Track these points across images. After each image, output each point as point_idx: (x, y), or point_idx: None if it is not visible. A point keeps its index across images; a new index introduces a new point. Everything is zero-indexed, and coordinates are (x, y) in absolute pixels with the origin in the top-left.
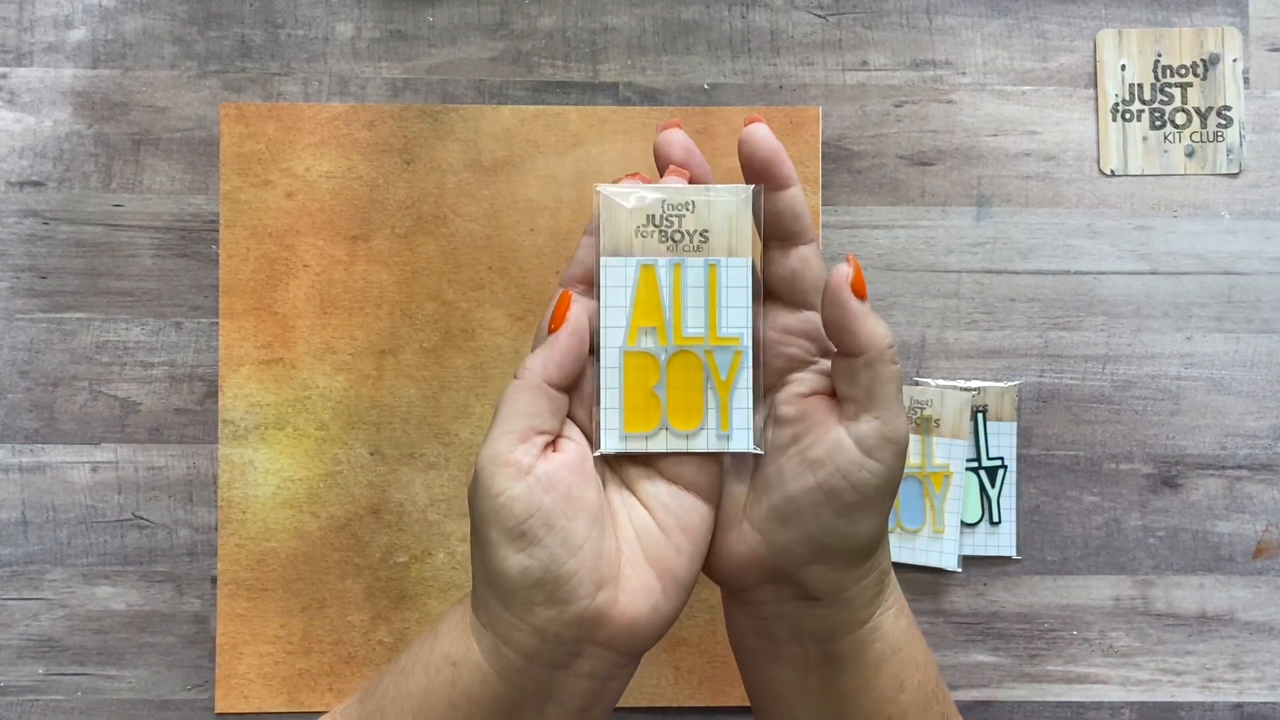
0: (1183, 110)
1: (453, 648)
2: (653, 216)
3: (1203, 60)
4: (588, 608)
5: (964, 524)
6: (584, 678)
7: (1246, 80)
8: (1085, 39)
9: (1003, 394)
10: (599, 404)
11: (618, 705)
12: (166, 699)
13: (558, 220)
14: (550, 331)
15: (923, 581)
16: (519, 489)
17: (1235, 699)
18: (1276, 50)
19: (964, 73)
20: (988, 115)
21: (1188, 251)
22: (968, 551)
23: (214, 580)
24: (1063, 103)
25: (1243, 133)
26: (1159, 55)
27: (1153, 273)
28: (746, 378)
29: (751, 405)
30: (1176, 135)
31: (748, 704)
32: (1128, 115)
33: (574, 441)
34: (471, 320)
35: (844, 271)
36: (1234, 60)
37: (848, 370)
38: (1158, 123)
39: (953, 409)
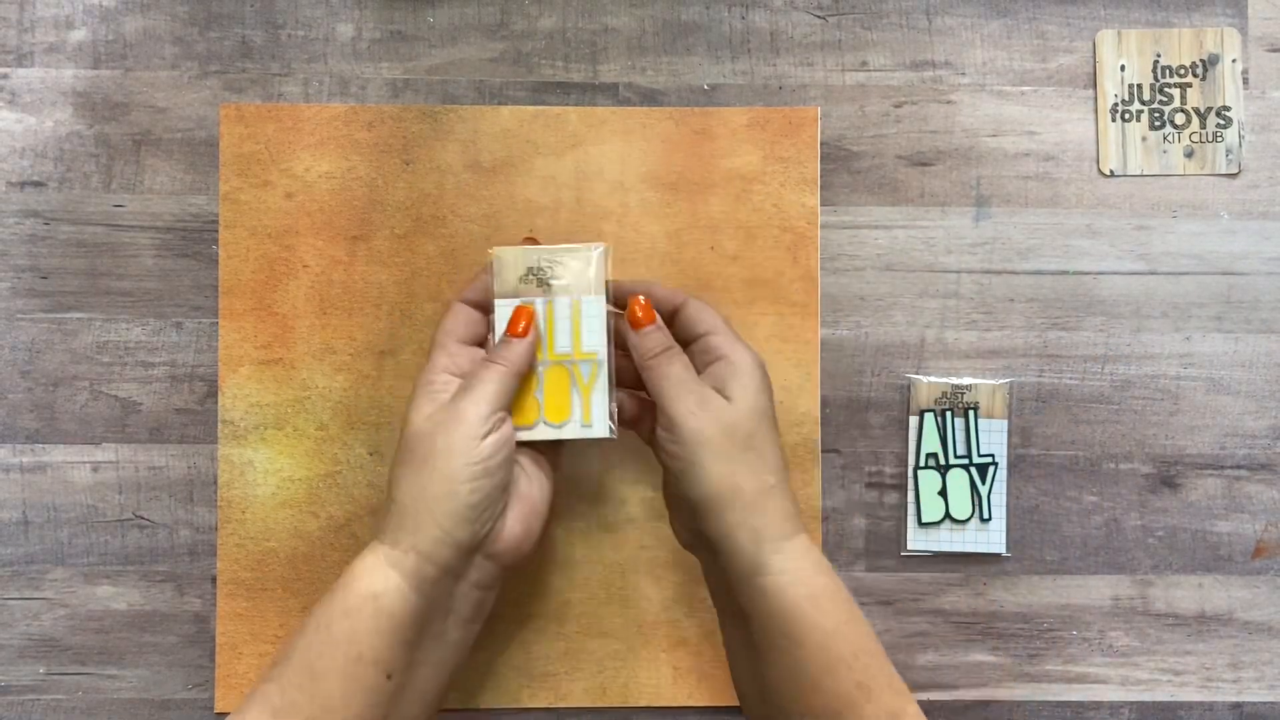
0: (1182, 110)
1: (372, 585)
2: (531, 269)
3: (1202, 61)
4: (491, 528)
5: (954, 520)
6: (472, 586)
7: (1246, 81)
8: (1084, 39)
9: (994, 391)
10: None
11: (617, 705)
12: (167, 698)
13: (556, 221)
14: (520, 336)
15: (923, 581)
16: (493, 438)
17: (1234, 698)
18: (1276, 51)
19: (963, 73)
20: (987, 116)
21: (1187, 252)
22: (958, 548)
23: (214, 580)
24: (1062, 103)
25: (1242, 133)
26: (1158, 56)
27: (1152, 273)
28: (603, 382)
29: (608, 403)
30: (1176, 135)
31: None
32: (1127, 116)
33: (509, 421)
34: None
35: (631, 310)
36: (1233, 61)
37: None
38: (1157, 123)
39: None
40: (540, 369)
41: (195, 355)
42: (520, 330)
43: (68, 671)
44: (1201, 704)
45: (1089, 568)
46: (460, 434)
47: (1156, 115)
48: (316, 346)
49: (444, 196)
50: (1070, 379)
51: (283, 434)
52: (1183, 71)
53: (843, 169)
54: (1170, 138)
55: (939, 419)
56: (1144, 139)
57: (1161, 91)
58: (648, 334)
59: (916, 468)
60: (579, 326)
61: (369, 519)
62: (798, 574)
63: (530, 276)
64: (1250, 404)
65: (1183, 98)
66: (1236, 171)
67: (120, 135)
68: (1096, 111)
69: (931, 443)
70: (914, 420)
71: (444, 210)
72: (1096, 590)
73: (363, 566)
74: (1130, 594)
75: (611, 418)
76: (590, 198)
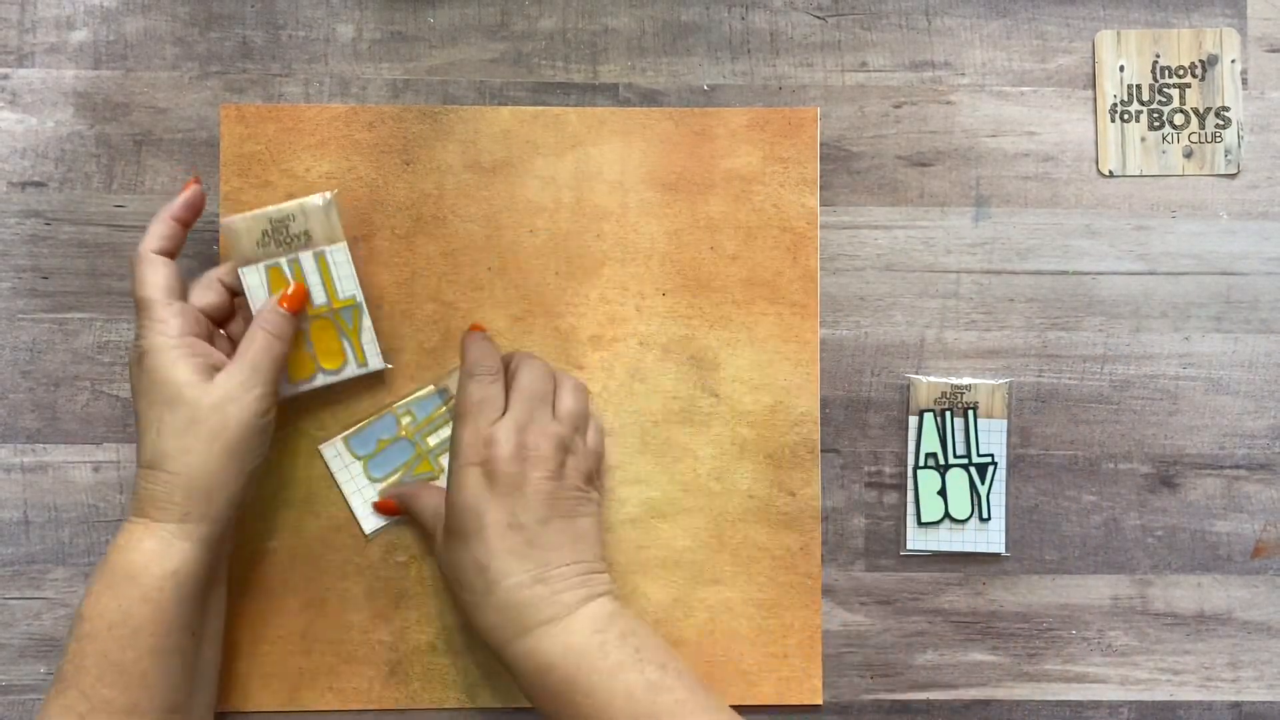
0: (1181, 111)
1: (167, 565)
2: (266, 231)
3: (1201, 61)
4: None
5: (953, 520)
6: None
7: (1245, 81)
8: (1084, 40)
9: (993, 391)
10: None
11: None
12: None
13: (556, 221)
14: (291, 311)
15: (923, 581)
16: (273, 410)
17: (1233, 698)
18: (1275, 51)
19: (963, 74)
20: (986, 116)
21: (1186, 252)
22: (957, 548)
23: None
24: (1061, 103)
25: (1241, 133)
26: (1157, 56)
27: (1151, 273)
28: (366, 322)
29: (375, 339)
30: (1175, 136)
31: (745, 703)
32: (1126, 116)
33: None
34: (471, 321)
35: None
36: (1232, 61)
37: None
38: (1156, 123)
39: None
40: (304, 326)
41: None
42: (287, 306)
43: None
44: (1200, 703)
45: (1088, 567)
46: (253, 410)
47: (1155, 116)
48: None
49: (444, 197)
50: (1069, 379)
51: (282, 433)
52: (1182, 72)
53: (842, 169)
54: (1169, 138)
55: (938, 419)
56: (1143, 139)
57: (1160, 92)
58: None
59: (916, 467)
60: (329, 276)
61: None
62: (539, 664)
63: (267, 239)
64: (1249, 404)
65: (1182, 98)
66: (1235, 172)
67: (121, 135)
68: (1096, 112)
69: (931, 442)
70: (913, 420)
71: (444, 210)
72: (1096, 590)
73: (146, 551)
74: (1129, 594)
75: (381, 352)
76: (590, 198)
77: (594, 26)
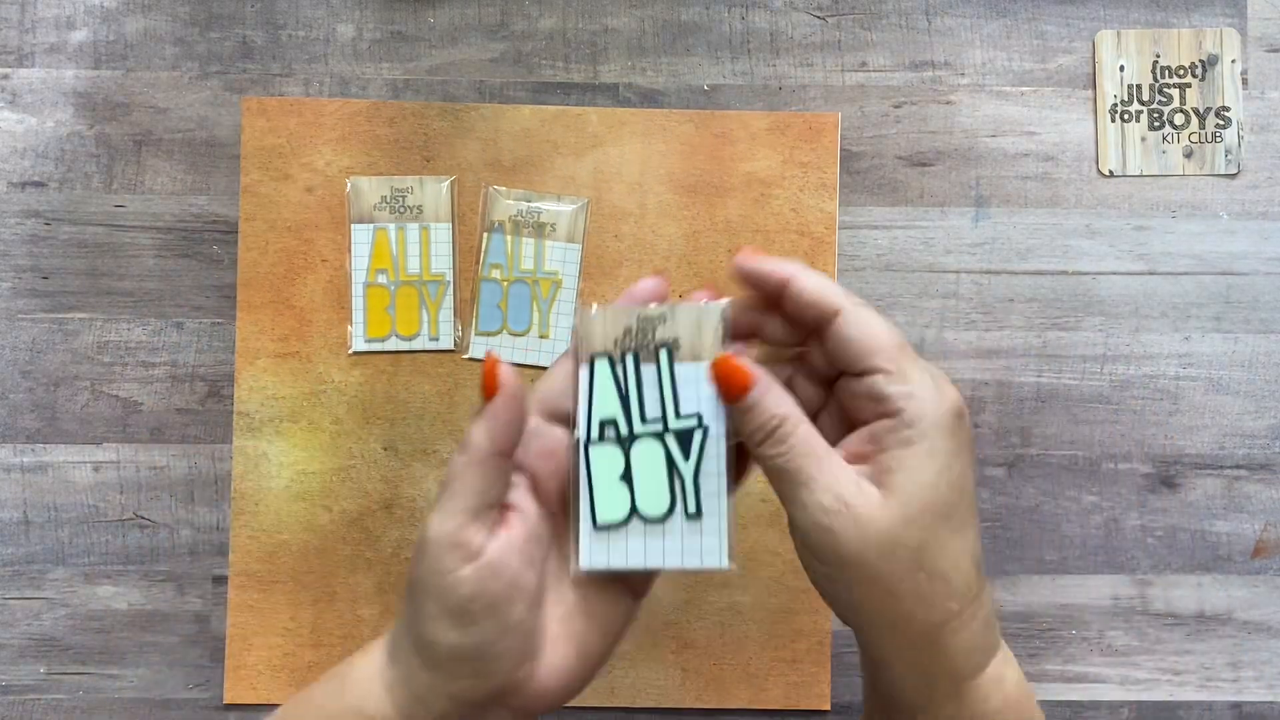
0: (1181, 111)
1: (364, 700)
2: (385, 196)
3: (1201, 61)
4: (507, 680)
5: (647, 520)
6: None
7: (1245, 81)
8: (1084, 40)
9: (699, 319)
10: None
11: (625, 705)
12: (168, 698)
13: (575, 220)
14: (486, 399)
15: None
16: (468, 571)
17: (1234, 698)
18: (1275, 51)
19: (963, 74)
20: (986, 116)
21: (1186, 252)
22: (654, 563)
23: (215, 579)
24: (1061, 103)
25: (1241, 133)
26: (1157, 56)
27: (1151, 273)
28: (449, 300)
29: (453, 320)
30: (1175, 136)
31: (753, 707)
32: (1126, 116)
33: (521, 513)
34: None
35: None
36: (1232, 61)
37: None
38: (1156, 123)
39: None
40: (392, 288)
41: (196, 355)
42: (488, 393)
43: (69, 671)
44: (1201, 703)
45: (1088, 567)
46: (426, 565)
47: (1156, 115)
48: (333, 340)
49: (463, 194)
50: (1069, 379)
51: (298, 427)
52: (1182, 72)
53: (843, 169)
54: (1169, 138)
55: (617, 367)
56: (1143, 139)
57: (1161, 92)
58: (747, 408)
59: (585, 444)
60: (428, 251)
61: (381, 514)
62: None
63: (383, 204)
64: (1249, 404)
65: (1182, 98)
66: (1236, 172)
67: (121, 135)
68: (1096, 112)
69: (608, 405)
70: (583, 372)
71: (463, 208)
72: (1096, 590)
73: (361, 669)
74: (1129, 594)
75: (455, 335)
76: (609, 198)
77: (594, 26)
